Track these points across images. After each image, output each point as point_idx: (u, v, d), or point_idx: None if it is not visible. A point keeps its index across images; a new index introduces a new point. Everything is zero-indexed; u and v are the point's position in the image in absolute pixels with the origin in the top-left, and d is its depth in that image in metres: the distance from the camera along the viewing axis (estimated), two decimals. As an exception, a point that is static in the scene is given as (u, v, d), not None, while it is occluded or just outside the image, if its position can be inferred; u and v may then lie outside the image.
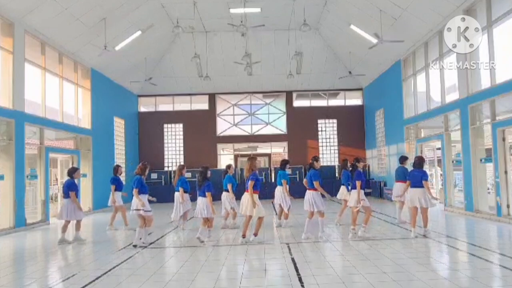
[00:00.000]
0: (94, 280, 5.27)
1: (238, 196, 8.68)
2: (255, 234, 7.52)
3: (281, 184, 9.38)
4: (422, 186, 7.70)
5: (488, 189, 11.46)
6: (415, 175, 7.88)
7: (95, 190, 14.66)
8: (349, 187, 8.65)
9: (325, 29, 17.15)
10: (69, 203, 8.15)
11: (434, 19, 11.81)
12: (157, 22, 15.29)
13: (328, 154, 20.44)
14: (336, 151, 20.33)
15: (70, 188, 8.18)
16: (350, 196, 8.07)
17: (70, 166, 13.81)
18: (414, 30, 13.00)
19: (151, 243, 7.78)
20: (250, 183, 7.26)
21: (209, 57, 17.74)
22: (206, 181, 7.62)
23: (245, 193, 7.43)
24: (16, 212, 10.34)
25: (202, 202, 7.55)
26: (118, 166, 10.42)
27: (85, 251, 7.49)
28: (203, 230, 7.62)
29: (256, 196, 7.33)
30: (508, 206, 9.51)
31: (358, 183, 7.70)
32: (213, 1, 14.49)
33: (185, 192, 9.15)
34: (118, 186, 9.90)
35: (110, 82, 16.91)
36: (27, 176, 11.28)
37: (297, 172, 18.88)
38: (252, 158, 7.65)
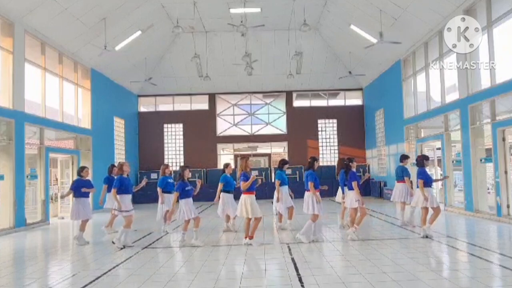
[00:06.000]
0: (94, 280, 5.28)
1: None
2: (251, 237, 7.31)
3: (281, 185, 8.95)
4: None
5: (488, 189, 11.47)
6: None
7: (94, 190, 14.58)
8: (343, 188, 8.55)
9: (325, 29, 17.14)
10: (76, 203, 8.15)
11: (434, 19, 11.81)
12: (157, 22, 15.29)
13: (328, 154, 20.43)
14: (336, 151, 20.32)
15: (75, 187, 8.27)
16: (347, 197, 7.95)
17: (70, 166, 13.83)
18: (414, 30, 13.01)
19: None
20: (242, 184, 7.11)
21: (209, 57, 17.73)
22: (180, 181, 7.45)
23: (242, 195, 7.22)
24: (16, 212, 10.34)
25: (181, 203, 7.41)
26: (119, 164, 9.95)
27: (85, 251, 7.49)
28: (190, 234, 7.54)
29: (252, 196, 7.18)
30: (508, 206, 9.51)
31: (354, 184, 7.56)
32: (213, 1, 14.48)
33: (165, 192, 9.04)
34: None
35: (110, 82, 16.90)
36: (27, 176, 11.28)
37: (297, 172, 18.85)
38: (244, 158, 7.41)
